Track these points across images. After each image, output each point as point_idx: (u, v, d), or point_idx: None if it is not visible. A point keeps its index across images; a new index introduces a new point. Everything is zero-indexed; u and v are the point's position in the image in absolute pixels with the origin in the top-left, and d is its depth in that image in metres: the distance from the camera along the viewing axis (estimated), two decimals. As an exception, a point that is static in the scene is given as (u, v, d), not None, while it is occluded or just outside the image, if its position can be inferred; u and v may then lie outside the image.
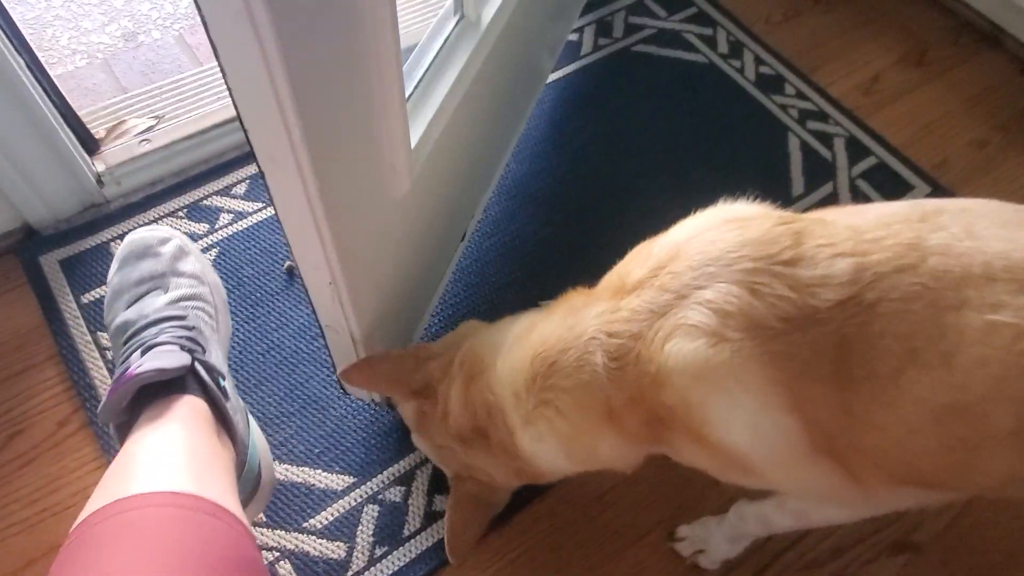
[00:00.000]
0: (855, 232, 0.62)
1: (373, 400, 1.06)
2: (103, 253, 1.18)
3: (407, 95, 0.80)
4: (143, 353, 0.79)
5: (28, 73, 1.04)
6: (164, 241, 0.95)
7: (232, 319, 1.10)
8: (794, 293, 0.60)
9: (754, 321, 0.60)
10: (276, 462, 1.02)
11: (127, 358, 0.79)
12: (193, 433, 0.73)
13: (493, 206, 1.28)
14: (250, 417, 0.92)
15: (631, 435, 0.71)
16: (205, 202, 1.24)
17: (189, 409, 0.75)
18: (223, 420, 0.79)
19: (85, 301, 1.13)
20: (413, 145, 0.80)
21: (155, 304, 0.87)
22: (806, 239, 0.63)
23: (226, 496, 0.67)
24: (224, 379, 0.84)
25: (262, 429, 1.02)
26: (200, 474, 0.68)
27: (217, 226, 1.22)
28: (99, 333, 1.10)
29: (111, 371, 1.07)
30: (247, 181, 1.28)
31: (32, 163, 1.11)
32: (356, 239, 0.77)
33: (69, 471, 1.01)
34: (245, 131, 0.59)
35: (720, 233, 0.66)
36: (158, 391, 0.75)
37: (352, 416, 1.06)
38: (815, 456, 0.63)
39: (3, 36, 0.98)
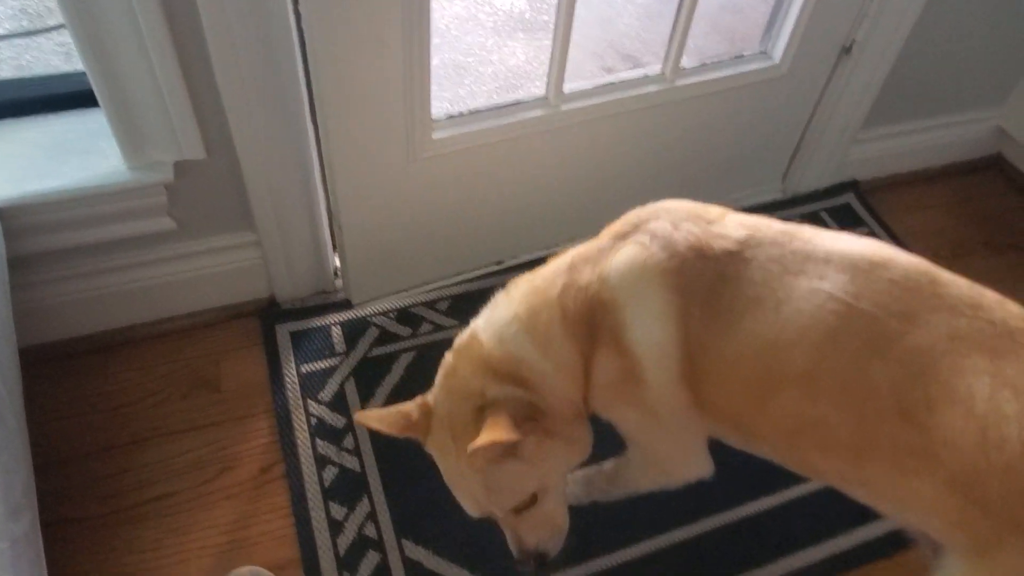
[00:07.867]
0: (766, 223, 0.86)
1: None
2: (324, 333, 1.38)
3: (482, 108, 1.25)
4: None
5: (320, 176, 1.29)
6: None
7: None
8: (701, 233, 0.85)
9: (669, 244, 0.85)
10: (432, 552, 1.13)
11: None
12: None
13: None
14: None
15: (574, 327, 0.88)
16: (412, 310, 1.44)
17: None
18: None
19: (304, 371, 1.32)
20: (435, 137, 1.20)
21: None
22: (730, 217, 0.88)
23: None
24: None
25: (434, 513, 1.14)
26: None
27: (419, 332, 1.40)
28: (309, 400, 1.28)
29: (312, 437, 1.23)
30: (449, 300, 1.47)
31: (298, 248, 1.35)
32: (347, 147, 1.17)
33: (261, 513, 1.16)
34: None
35: (684, 203, 0.91)
36: None
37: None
38: (679, 383, 0.85)
39: (313, 141, 1.23)
